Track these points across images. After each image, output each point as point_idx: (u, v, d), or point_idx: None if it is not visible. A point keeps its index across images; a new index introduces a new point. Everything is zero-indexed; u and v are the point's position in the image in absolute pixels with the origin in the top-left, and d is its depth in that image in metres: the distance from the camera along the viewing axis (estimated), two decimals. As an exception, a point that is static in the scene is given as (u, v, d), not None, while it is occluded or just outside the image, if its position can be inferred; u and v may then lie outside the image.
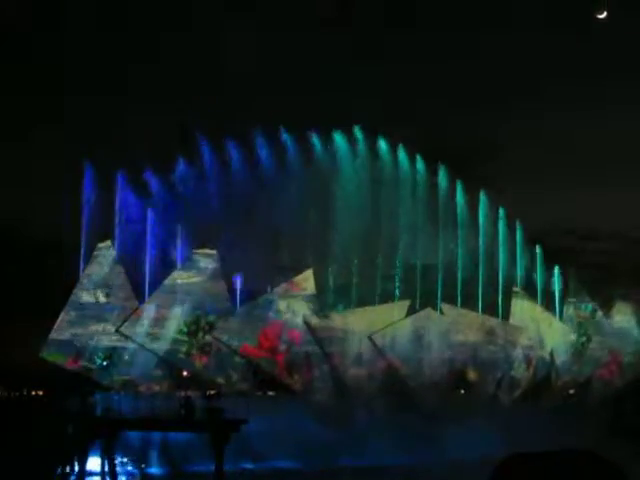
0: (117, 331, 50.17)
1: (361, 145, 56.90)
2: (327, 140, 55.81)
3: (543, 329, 60.57)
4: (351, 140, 56.70)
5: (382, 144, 57.75)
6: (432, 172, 59.19)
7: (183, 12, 73.51)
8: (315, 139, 55.28)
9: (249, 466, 44.49)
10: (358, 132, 56.43)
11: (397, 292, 56.60)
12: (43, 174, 58.19)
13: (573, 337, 61.62)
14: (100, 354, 49.90)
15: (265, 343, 52.62)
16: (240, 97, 71.97)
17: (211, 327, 51.35)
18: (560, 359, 60.51)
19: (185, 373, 51.35)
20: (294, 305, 53.85)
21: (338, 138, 56.14)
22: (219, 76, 73.35)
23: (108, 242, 51.43)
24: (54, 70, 68.67)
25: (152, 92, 71.01)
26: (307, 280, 54.53)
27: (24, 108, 65.27)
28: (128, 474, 43.20)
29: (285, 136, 54.78)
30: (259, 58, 72.89)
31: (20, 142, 63.43)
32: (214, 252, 52.56)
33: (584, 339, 61.77)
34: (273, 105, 70.32)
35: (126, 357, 50.36)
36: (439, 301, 57.51)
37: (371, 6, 77.27)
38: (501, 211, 61.07)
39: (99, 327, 50.30)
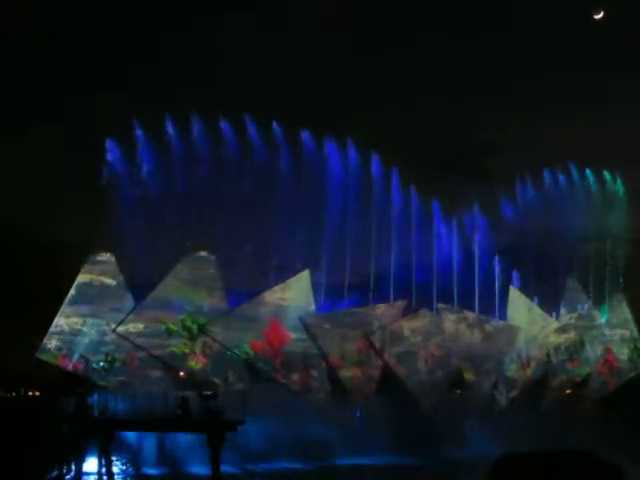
0: (114, 331, 50.10)
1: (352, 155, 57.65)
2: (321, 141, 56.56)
3: (539, 328, 60.62)
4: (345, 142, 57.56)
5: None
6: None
7: (183, 12, 73.34)
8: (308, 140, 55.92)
9: (246, 466, 44.49)
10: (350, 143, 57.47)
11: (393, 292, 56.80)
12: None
13: (569, 336, 61.62)
14: (97, 354, 49.84)
15: (263, 343, 52.65)
16: (237, 94, 72.03)
17: (207, 327, 51.31)
18: (556, 359, 60.56)
19: (182, 373, 51.32)
20: (290, 305, 53.87)
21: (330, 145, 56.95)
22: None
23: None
24: (54, 70, 68.59)
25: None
26: (303, 280, 54.57)
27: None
28: (125, 474, 43.16)
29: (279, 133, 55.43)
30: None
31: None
32: (210, 254, 52.61)
33: (580, 338, 61.78)
34: (269, 103, 70.45)
35: (123, 357, 50.28)
36: (435, 301, 57.64)
37: (372, 5, 77.11)
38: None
39: (96, 327, 50.22)
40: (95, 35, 69.48)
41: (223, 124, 53.76)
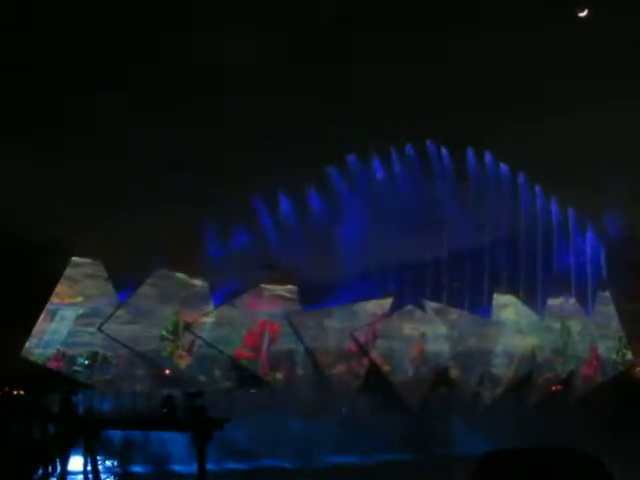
0: (99, 329, 49.96)
1: None
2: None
3: (524, 325, 60.75)
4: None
5: None
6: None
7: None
8: None
9: (232, 465, 44.44)
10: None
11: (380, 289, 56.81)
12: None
13: (555, 333, 61.78)
14: (82, 353, 49.69)
15: (249, 341, 52.63)
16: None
17: (192, 325, 51.24)
18: (542, 356, 60.70)
19: (167, 371, 51.23)
20: (277, 302, 53.85)
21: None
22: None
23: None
24: (54, 70, 67.92)
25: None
26: (290, 277, 54.54)
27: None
28: (110, 473, 42.99)
29: None
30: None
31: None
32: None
33: (566, 335, 61.95)
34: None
35: (108, 356, 50.17)
36: (421, 298, 57.68)
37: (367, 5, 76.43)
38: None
39: (81, 325, 50.08)
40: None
41: None
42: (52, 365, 49.30)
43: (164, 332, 50.67)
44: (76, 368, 49.46)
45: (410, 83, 71.92)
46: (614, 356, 63.98)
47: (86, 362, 49.43)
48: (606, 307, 64.89)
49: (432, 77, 74.62)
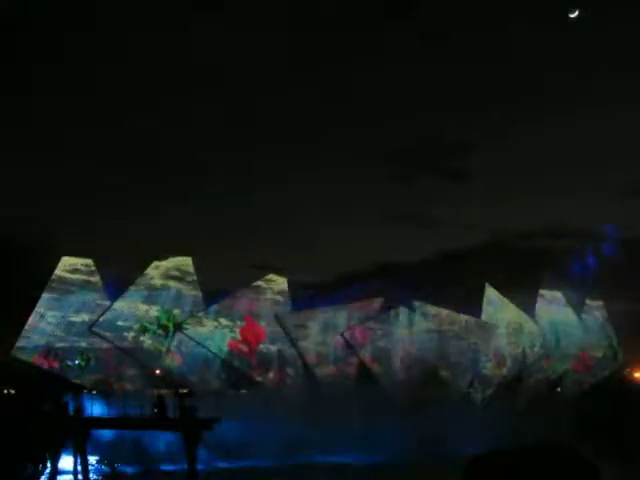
0: (90, 330, 49.87)
1: None
2: None
3: (515, 327, 60.82)
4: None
5: None
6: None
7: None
8: None
9: (222, 464, 44.44)
10: None
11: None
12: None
13: (545, 335, 61.85)
14: (73, 353, 49.58)
15: (239, 341, 52.62)
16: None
17: (184, 325, 51.19)
18: (532, 357, 60.77)
19: (158, 372, 51.14)
20: (267, 302, 53.84)
21: None
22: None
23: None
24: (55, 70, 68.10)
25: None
26: (281, 277, 54.56)
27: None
28: (100, 473, 42.99)
29: None
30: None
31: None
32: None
33: (556, 337, 62.02)
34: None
35: (99, 356, 50.06)
36: (412, 299, 57.71)
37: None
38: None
39: (72, 325, 49.97)
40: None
41: None
42: (44, 364, 49.17)
43: (151, 331, 50.62)
44: (69, 365, 49.34)
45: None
46: (604, 357, 64.04)
47: (77, 362, 49.32)
48: (597, 309, 64.99)
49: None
